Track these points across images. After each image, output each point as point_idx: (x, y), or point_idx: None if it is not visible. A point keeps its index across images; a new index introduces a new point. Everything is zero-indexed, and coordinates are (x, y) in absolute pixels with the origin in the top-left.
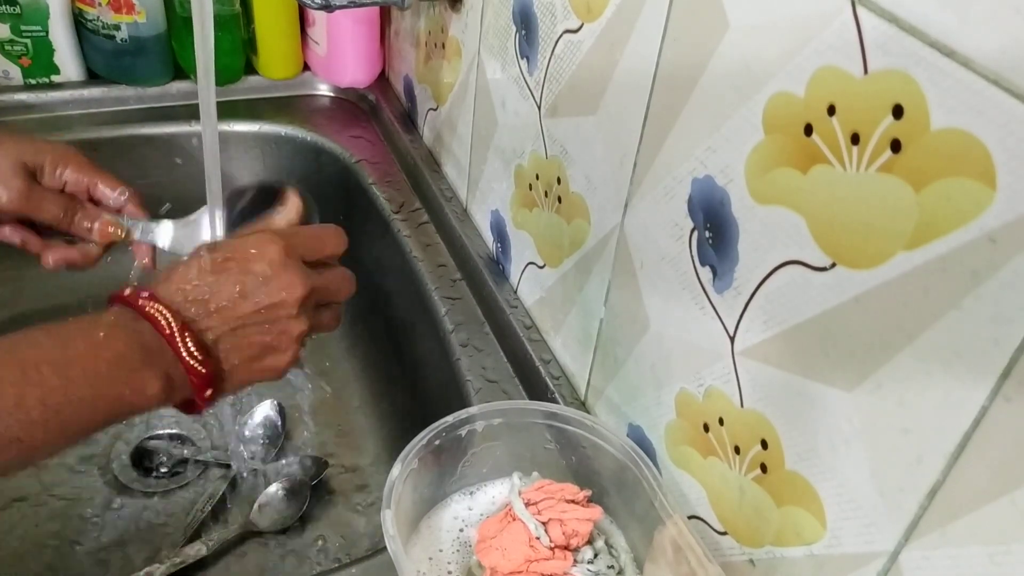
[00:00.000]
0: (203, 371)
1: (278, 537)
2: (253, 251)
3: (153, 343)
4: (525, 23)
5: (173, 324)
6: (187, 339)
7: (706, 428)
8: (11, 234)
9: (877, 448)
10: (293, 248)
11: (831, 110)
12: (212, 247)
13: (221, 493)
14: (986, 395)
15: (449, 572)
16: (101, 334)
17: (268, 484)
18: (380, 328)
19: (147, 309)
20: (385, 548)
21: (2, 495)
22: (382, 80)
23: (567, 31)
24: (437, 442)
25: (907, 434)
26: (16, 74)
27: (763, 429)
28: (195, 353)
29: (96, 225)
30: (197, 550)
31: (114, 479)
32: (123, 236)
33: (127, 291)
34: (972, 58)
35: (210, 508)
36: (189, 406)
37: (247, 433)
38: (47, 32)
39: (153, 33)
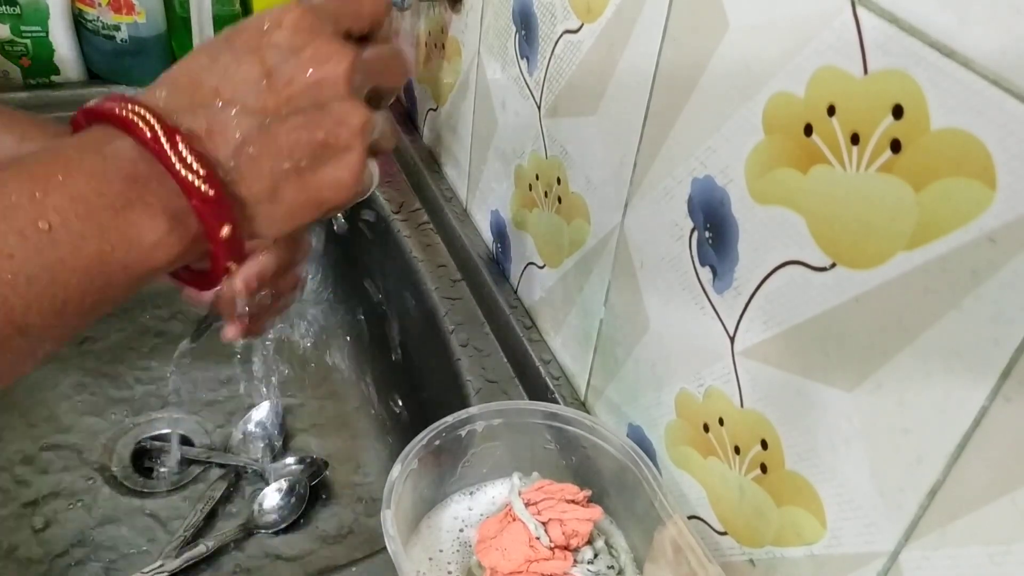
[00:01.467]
0: (207, 189)
1: (278, 537)
2: (267, 22)
3: (139, 164)
4: (525, 23)
5: (156, 126)
6: (178, 143)
7: (706, 428)
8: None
9: (877, 448)
10: (320, 11)
11: (831, 110)
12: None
13: (221, 493)
14: (986, 395)
15: (449, 572)
16: (60, 177)
17: (268, 484)
18: (380, 328)
19: (119, 112)
20: (385, 548)
21: (2, 494)
22: None
23: (567, 31)
24: (437, 442)
25: (907, 434)
26: (16, 74)
27: (763, 429)
28: (190, 162)
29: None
30: (197, 550)
31: (114, 479)
32: None
33: (90, 104)
34: (972, 58)
35: (210, 508)
36: (210, 273)
37: (247, 433)
38: (47, 32)
39: (153, 33)
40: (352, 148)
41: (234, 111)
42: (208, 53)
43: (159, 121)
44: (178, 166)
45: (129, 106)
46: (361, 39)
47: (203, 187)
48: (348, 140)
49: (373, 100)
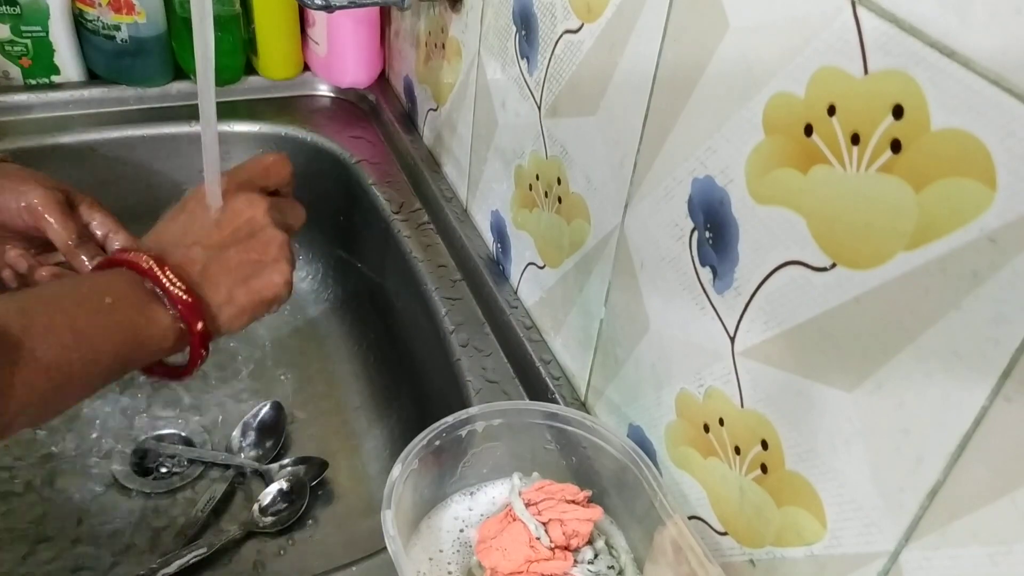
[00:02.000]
0: (188, 299)
1: (278, 538)
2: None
3: (141, 285)
4: (525, 23)
5: (150, 261)
6: (166, 270)
7: (706, 428)
8: (16, 259)
9: (877, 448)
10: (237, 177)
11: (831, 110)
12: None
13: (222, 493)
14: (986, 395)
15: (449, 572)
16: (101, 280)
17: (268, 484)
18: (380, 328)
19: (125, 257)
20: (385, 548)
21: (1, 493)
22: (382, 80)
23: (567, 31)
24: (437, 443)
25: (907, 434)
26: (16, 74)
27: (763, 429)
28: (176, 282)
29: (92, 262)
30: (198, 550)
31: (114, 479)
32: None
33: (101, 259)
34: (972, 58)
35: (210, 508)
36: (188, 362)
37: (247, 433)
38: (47, 32)
39: (153, 33)
40: (279, 260)
41: (197, 248)
42: (174, 218)
43: (153, 259)
44: (167, 283)
45: (132, 254)
46: (274, 192)
47: (184, 296)
48: (275, 254)
49: (286, 227)
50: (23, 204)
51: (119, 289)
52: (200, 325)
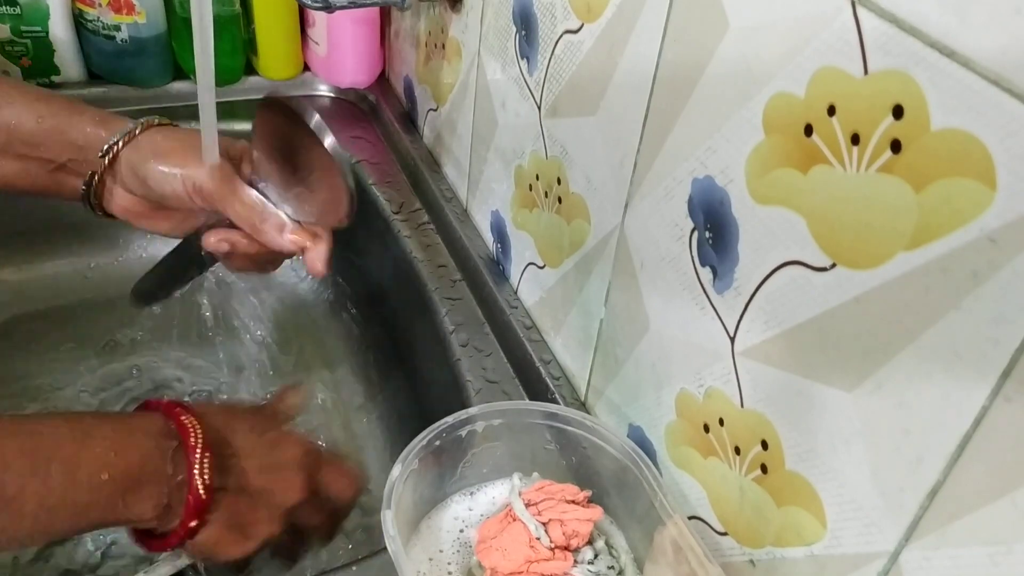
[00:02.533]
0: (204, 499)
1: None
2: (289, 447)
3: (168, 461)
4: (525, 23)
5: (199, 438)
6: (205, 460)
7: (706, 428)
8: (217, 244)
9: (877, 448)
10: (313, 466)
11: (831, 110)
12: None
13: None
14: (986, 395)
15: (449, 572)
16: (122, 440)
17: None
18: (380, 329)
19: (181, 419)
20: (385, 548)
21: None
22: (382, 81)
23: (567, 31)
24: (437, 443)
25: (907, 434)
26: (16, 75)
27: (763, 429)
28: (207, 476)
29: (288, 235)
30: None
31: None
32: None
33: (165, 398)
34: (972, 58)
35: None
36: (158, 541)
37: None
38: (47, 33)
39: (153, 34)
40: (249, 540)
41: (236, 468)
42: (251, 430)
43: (204, 434)
44: (196, 470)
45: (188, 415)
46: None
47: (202, 492)
48: (253, 533)
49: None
50: (191, 186)
51: (130, 456)
52: (195, 523)
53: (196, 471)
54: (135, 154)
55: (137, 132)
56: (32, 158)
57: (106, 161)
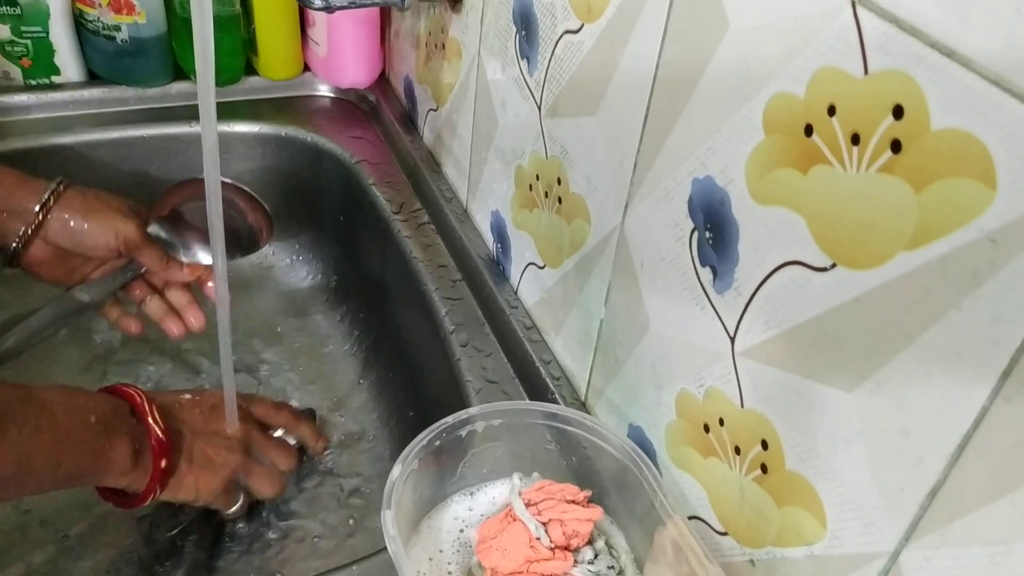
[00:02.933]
0: (164, 438)
1: (277, 528)
2: (248, 416)
3: (125, 412)
4: (525, 24)
5: (144, 397)
6: (154, 409)
7: (706, 428)
8: (141, 295)
9: (877, 448)
10: (257, 429)
11: (831, 110)
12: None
13: None
14: (986, 395)
15: (449, 572)
16: (92, 417)
17: None
18: (380, 329)
19: (125, 390)
20: (385, 548)
21: None
22: (382, 81)
23: (567, 32)
24: (437, 443)
25: (907, 434)
26: (16, 75)
27: (763, 429)
28: (159, 420)
29: (185, 271)
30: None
31: None
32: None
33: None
34: (972, 58)
35: None
36: (137, 499)
37: None
38: (47, 33)
39: (153, 34)
40: (221, 471)
41: (185, 419)
42: (186, 404)
43: (146, 398)
44: (150, 419)
45: (128, 387)
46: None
47: (160, 434)
48: (223, 464)
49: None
50: (121, 239)
51: (102, 410)
52: (164, 463)
53: (150, 420)
54: (67, 211)
55: (61, 190)
56: None
57: (38, 219)
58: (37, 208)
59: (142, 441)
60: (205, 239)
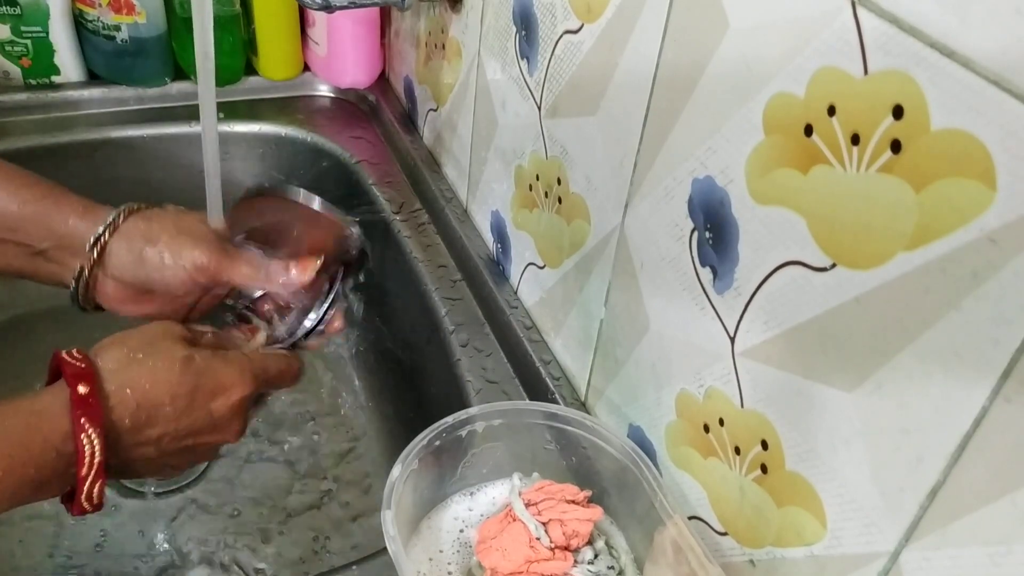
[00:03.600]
0: (88, 510)
1: (276, 524)
2: (226, 387)
3: (69, 469)
4: (525, 24)
5: (95, 467)
6: (95, 487)
7: (706, 429)
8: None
9: (877, 448)
10: (254, 393)
11: (831, 110)
12: (188, 358)
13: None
14: (986, 396)
15: (449, 572)
16: (26, 442)
17: None
18: (380, 329)
19: (81, 437)
20: (385, 548)
21: None
22: (382, 81)
23: (567, 32)
24: (437, 443)
25: (907, 434)
26: (16, 75)
27: (763, 430)
28: (95, 498)
29: (294, 270)
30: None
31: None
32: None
33: (80, 388)
34: (972, 58)
35: None
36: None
37: None
38: (47, 33)
39: (153, 34)
40: (180, 467)
41: (154, 448)
42: (173, 395)
43: (99, 463)
44: (84, 494)
45: (91, 427)
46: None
47: (88, 507)
48: (183, 465)
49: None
50: (192, 267)
51: (30, 458)
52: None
53: (83, 497)
54: (124, 242)
55: (120, 221)
56: (10, 242)
57: (95, 254)
58: (92, 242)
59: (69, 483)
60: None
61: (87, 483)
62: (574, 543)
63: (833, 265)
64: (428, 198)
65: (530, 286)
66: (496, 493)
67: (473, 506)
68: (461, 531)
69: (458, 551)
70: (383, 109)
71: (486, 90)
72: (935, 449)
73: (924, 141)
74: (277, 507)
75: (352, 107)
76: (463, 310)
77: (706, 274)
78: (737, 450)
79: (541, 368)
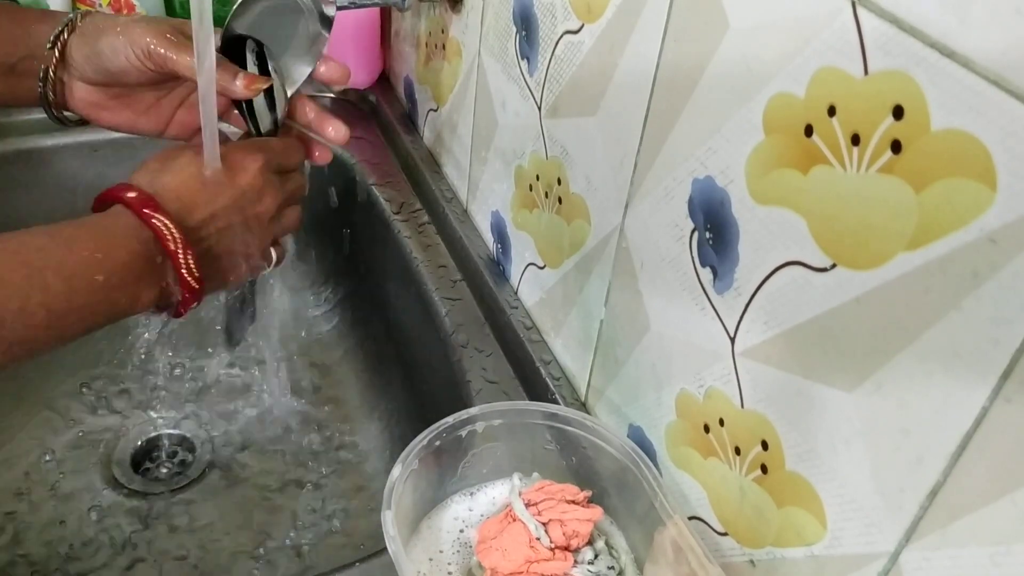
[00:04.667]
0: (196, 288)
1: (276, 523)
2: (241, 164)
3: (155, 256)
4: (525, 24)
5: (178, 240)
6: (188, 257)
7: (706, 429)
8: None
9: (877, 448)
10: (269, 162)
11: (831, 111)
12: (199, 158)
13: None
14: (986, 396)
15: (449, 573)
16: (105, 243)
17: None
18: (380, 329)
19: (152, 221)
20: (385, 548)
21: (4, 494)
22: (383, 81)
23: (567, 32)
24: (437, 443)
25: (907, 434)
26: None
27: (763, 430)
28: (194, 270)
29: (240, 80)
30: None
31: (114, 479)
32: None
33: (129, 194)
34: (972, 59)
35: None
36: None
37: None
38: None
39: None
40: (254, 256)
41: (214, 227)
42: (203, 182)
43: (177, 230)
44: (184, 271)
45: (157, 216)
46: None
47: (194, 284)
48: (256, 252)
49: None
50: (141, 52)
51: (118, 256)
52: (194, 304)
53: (183, 270)
54: (81, 38)
55: (78, 20)
56: None
57: (56, 53)
58: (49, 45)
59: (172, 286)
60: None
61: (180, 256)
62: (574, 543)
63: (833, 265)
64: (428, 198)
65: (530, 286)
66: (496, 493)
67: (473, 506)
68: (461, 531)
69: (458, 551)
70: (383, 109)
71: (486, 90)
72: (935, 449)
73: (924, 141)
74: (277, 507)
75: (352, 107)
76: (463, 310)
77: (706, 274)
78: (737, 450)
79: (541, 368)
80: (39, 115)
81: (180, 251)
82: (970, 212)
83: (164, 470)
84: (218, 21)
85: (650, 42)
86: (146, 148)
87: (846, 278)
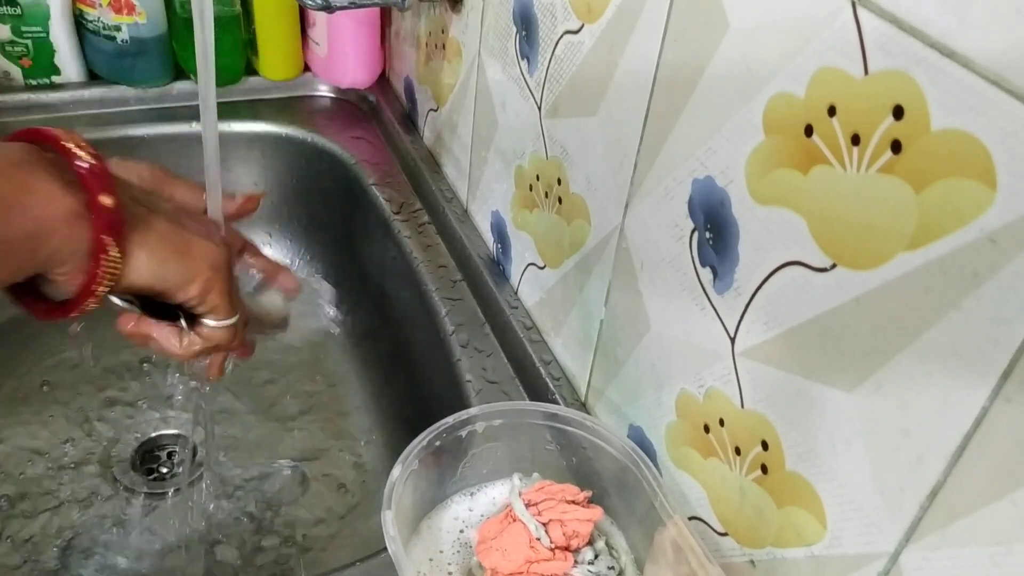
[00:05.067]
0: (96, 163)
1: (276, 523)
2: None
3: (47, 154)
4: (525, 24)
5: (95, 168)
6: (80, 142)
7: (706, 429)
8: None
9: (878, 448)
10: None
11: (831, 111)
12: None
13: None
14: (987, 396)
15: (450, 573)
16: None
17: None
18: (380, 329)
19: (66, 144)
20: (385, 549)
21: (5, 493)
22: (382, 81)
23: (567, 32)
24: (437, 443)
25: (907, 434)
26: (17, 75)
27: (763, 430)
28: (84, 147)
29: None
30: None
31: (114, 479)
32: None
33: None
34: (972, 59)
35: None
36: (79, 296)
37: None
38: (48, 33)
39: (154, 34)
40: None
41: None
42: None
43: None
44: (72, 147)
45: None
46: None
47: (91, 161)
48: (204, 250)
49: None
50: (136, 177)
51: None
52: (109, 200)
53: (72, 146)
54: None
55: None
56: None
57: None
58: None
59: (67, 170)
60: None
61: (98, 184)
62: (574, 543)
63: (833, 265)
64: (428, 198)
65: (530, 286)
66: (496, 493)
67: (473, 506)
68: (461, 531)
69: (458, 551)
70: (383, 109)
71: (486, 90)
72: (935, 449)
73: (924, 141)
74: (276, 507)
75: (352, 107)
76: (463, 310)
77: (706, 274)
78: (737, 450)
79: (541, 368)
80: (39, 115)
81: (68, 142)
82: (970, 212)
83: (164, 469)
84: (219, 21)
85: (650, 42)
86: (143, 147)
87: (846, 278)
